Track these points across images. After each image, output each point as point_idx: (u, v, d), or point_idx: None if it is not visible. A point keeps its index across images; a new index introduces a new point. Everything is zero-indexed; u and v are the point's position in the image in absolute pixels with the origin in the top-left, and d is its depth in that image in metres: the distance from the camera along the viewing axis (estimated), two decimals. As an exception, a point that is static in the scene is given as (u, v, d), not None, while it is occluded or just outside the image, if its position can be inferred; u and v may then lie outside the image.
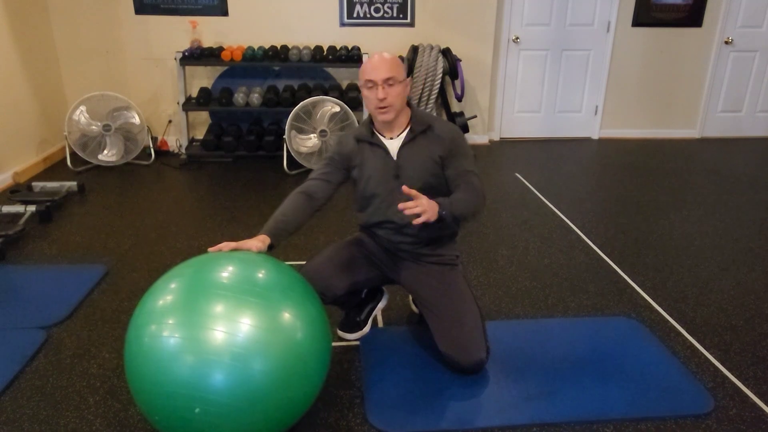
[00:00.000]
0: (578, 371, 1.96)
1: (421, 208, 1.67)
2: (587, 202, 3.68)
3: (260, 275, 1.52)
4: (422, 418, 1.72)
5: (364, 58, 4.29)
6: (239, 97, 4.26)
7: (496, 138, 5.27)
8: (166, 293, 1.46)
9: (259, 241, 1.70)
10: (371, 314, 2.19)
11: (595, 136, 5.37)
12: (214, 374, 1.35)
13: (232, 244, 1.66)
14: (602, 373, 1.95)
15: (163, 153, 4.56)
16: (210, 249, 1.65)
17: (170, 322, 1.40)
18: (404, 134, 1.91)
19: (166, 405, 1.37)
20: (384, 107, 1.82)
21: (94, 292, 2.44)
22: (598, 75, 5.17)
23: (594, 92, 5.23)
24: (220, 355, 1.35)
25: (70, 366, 1.94)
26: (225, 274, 1.48)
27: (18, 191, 3.45)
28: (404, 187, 1.69)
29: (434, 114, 4.36)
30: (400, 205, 1.68)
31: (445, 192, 1.90)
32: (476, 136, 5.09)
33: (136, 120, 4.18)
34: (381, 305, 2.23)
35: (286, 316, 1.47)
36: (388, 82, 1.79)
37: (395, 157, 1.91)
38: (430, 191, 1.84)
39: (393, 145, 1.92)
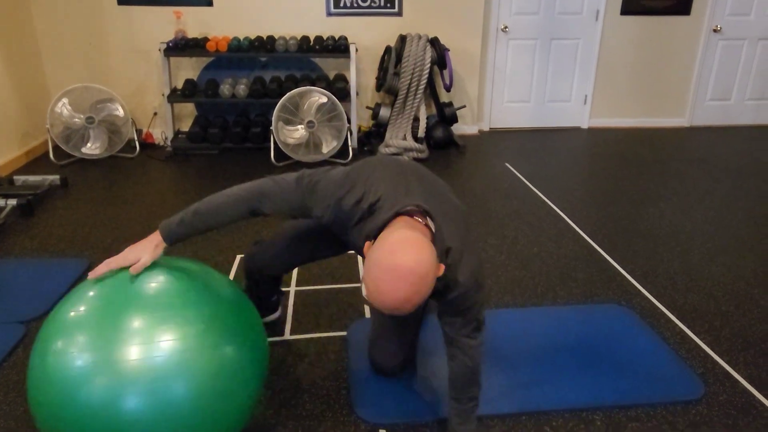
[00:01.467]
0: (568, 359, 1.94)
1: None
2: (577, 191, 3.66)
3: (182, 286, 1.35)
4: (410, 409, 1.69)
5: (352, 48, 4.24)
6: (225, 89, 4.20)
7: (486, 128, 5.23)
8: (76, 310, 1.29)
9: (151, 245, 1.40)
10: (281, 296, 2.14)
11: (585, 126, 5.36)
12: (129, 399, 1.20)
13: (119, 259, 1.38)
14: (592, 361, 1.92)
15: (148, 146, 4.49)
16: (90, 275, 1.39)
17: (80, 341, 1.24)
18: None
19: None
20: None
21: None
22: (588, 64, 5.15)
23: (583, 81, 5.21)
24: (136, 377, 1.21)
25: (49, 361, 1.89)
26: (143, 288, 1.32)
27: (-1, 185, 3.38)
28: None
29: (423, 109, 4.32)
30: None
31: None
32: (465, 127, 5.05)
33: (120, 112, 4.11)
34: (266, 320, 2.13)
35: (213, 331, 1.31)
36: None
37: None
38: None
39: None
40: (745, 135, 5.17)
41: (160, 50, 4.17)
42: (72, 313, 1.29)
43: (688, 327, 2.15)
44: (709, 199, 3.54)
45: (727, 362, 1.95)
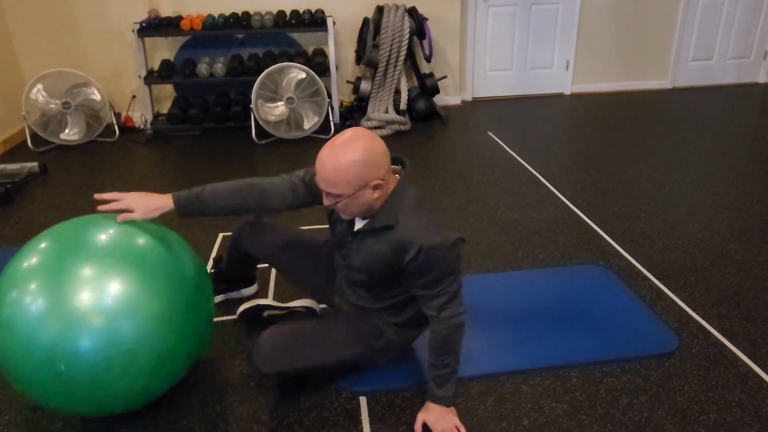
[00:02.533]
0: (545, 319, 1.97)
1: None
2: (558, 156, 3.67)
3: (134, 238, 1.47)
4: (389, 376, 1.71)
5: (329, 21, 4.19)
6: (203, 68, 4.15)
7: (469, 98, 5.21)
8: (31, 257, 1.40)
9: (151, 206, 1.51)
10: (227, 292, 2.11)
11: (568, 92, 5.34)
12: (81, 340, 1.32)
13: (125, 201, 1.50)
14: (569, 320, 1.96)
15: (128, 129, 4.45)
16: (100, 207, 1.52)
17: (33, 288, 1.34)
18: (365, 223, 1.53)
19: (33, 374, 1.34)
20: (338, 210, 1.48)
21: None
22: (568, 29, 5.11)
23: (564, 47, 5.18)
24: (87, 319, 1.33)
25: (32, 345, 1.91)
26: (97, 238, 1.44)
27: (-24, 175, 3.35)
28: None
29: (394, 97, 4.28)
30: None
31: (400, 281, 1.56)
32: (448, 97, 5.03)
33: (97, 96, 4.06)
34: (243, 293, 2.13)
35: (160, 280, 1.43)
36: (330, 198, 1.43)
37: (352, 235, 1.57)
38: (381, 283, 1.58)
39: (357, 223, 1.56)
40: (727, 94, 5.18)
41: (133, 31, 4.10)
42: (25, 264, 1.39)
43: (664, 284, 2.19)
44: (687, 158, 3.57)
45: (702, 316, 1.99)
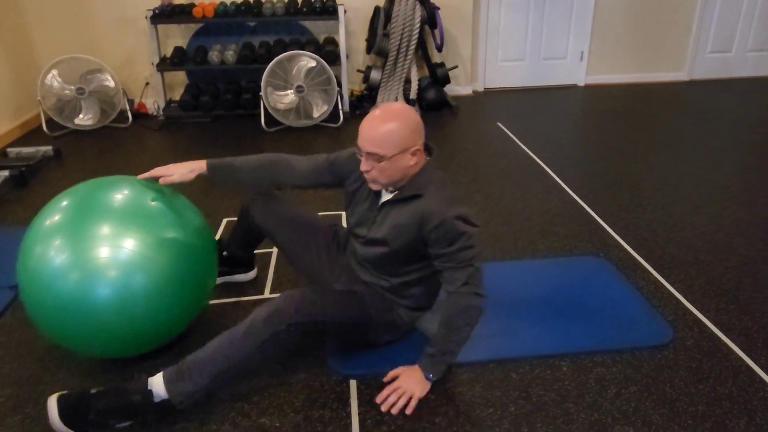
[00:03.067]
0: (540, 309, 1.97)
1: (399, 393, 1.57)
2: (567, 148, 3.64)
3: (147, 199, 1.64)
4: (380, 360, 1.73)
5: (340, 10, 4.19)
6: (214, 55, 4.19)
7: (480, 89, 5.18)
8: (54, 215, 1.57)
9: (187, 169, 1.68)
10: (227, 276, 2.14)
11: (582, 83, 5.28)
12: (98, 289, 1.49)
13: (162, 169, 1.69)
14: (564, 311, 1.96)
15: (141, 116, 4.51)
16: (141, 176, 1.71)
17: (56, 244, 1.51)
18: (393, 194, 1.60)
19: (56, 319, 1.52)
20: (370, 178, 1.55)
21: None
22: (583, 19, 5.04)
23: (579, 37, 5.12)
24: (103, 271, 1.50)
25: (36, 322, 1.96)
26: (111, 197, 1.61)
27: (-8, 158, 3.44)
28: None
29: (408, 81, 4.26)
30: (378, 400, 1.57)
31: (421, 255, 1.60)
32: (459, 87, 5.01)
33: (111, 82, 4.12)
34: (242, 278, 2.15)
35: (170, 237, 1.61)
36: (372, 156, 1.49)
37: (378, 209, 1.63)
38: (401, 255, 1.61)
39: (384, 196, 1.63)
40: (746, 87, 5.08)
41: (146, 18, 4.14)
42: (48, 222, 1.56)
43: (664, 276, 2.17)
44: (699, 152, 3.51)
45: (699, 309, 1.97)
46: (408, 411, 1.55)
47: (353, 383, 1.66)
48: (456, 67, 4.78)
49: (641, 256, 2.31)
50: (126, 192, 1.64)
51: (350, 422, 1.52)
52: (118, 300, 1.51)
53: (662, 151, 3.52)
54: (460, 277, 1.53)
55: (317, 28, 4.59)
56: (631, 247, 2.39)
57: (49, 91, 4.03)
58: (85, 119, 4.11)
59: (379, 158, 1.48)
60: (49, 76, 3.99)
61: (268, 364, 1.68)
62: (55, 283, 1.48)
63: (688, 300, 2.02)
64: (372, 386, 1.65)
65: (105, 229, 1.53)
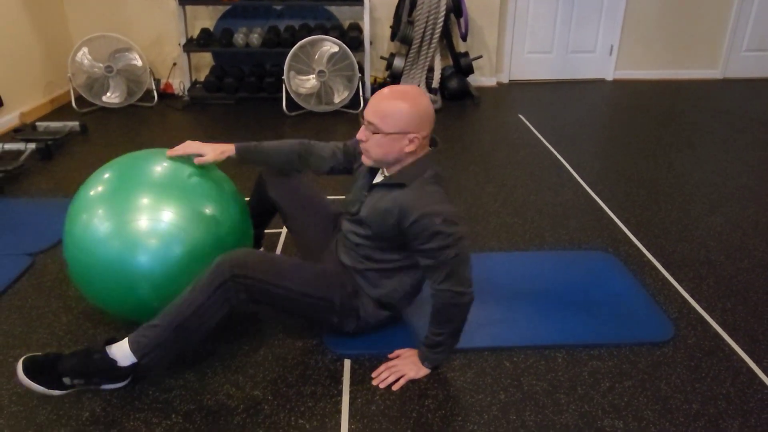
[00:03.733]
0: (541, 300, 1.96)
1: (391, 371, 1.61)
2: (587, 142, 3.58)
3: (185, 171, 1.71)
4: (377, 342, 1.75)
5: (365, -5, 4.19)
6: (239, 38, 4.23)
7: (505, 80, 5.13)
8: (96, 188, 1.65)
9: (218, 150, 1.73)
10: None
11: (610, 78, 5.18)
12: (139, 257, 1.57)
13: (194, 147, 1.74)
14: (565, 303, 1.94)
15: (167, 95, 4.60)
16: (169, 152, 1.75)
17: (100, 213, 1.59)
18: (382, 177, 1.61)
19: (97, 283, 1.61)
20: (364, 149, 1.55)
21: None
22: (614, 11, 4.93)
23: (609, 31, 5.01)
24: (143, 240, 1.57)
25: (49, 289, 2.04)
26: (151, 169, 1.68)
27: (22, 130, 3.54)
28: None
29: (436, 62, 4.22)
30: (374, 374, 1.62)
31: (401, 245, 1.59)
32: (483, 78, 4.96)
33: (138, 62, 4.20)
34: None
35: (207, 208, 1.67)
36: (370, 126, 1.49)
37: (368, 189, 1.64)
38: (385, 241, 1.60)
39: (377, 178, 1.64)
40: (782, 88, 4.91)
41: (175, -1, 4.21)
42: (92, 192, 1.65)
43: (672, 275, 2.13)
44: (724, 150, 3.42)
45: (704, 308, 1.93)
46: (394, 387, 1.57)
47: (347, 362, 1.68)
48: (480, 57, 4.73)
49: (651, 254, 2.28)
50: (166, 165, 1.71)
51: (340, 399, 1.55)
52: (156, 268, 1.58)
53: (686, 150, 3.44)
54: (439, 275, 1.50)
55: (343, 13, 4.59)
56: (642, 243, 2.35)
57: (80, 69, 4.13)
58: (112, 97, 4.21)
59: (375, 129, 1.48)
60: (80, 53, 4.09)
61: (223, 320, 1.55)
62: (98, 249, 1.57)
63: (694, 299, 1.99)
64: (365, 366, 1.67)
65: (145, 200, 1.60)
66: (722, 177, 3.03)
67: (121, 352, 1.48)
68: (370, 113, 1.49)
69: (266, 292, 1.52)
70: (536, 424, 1.47)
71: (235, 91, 4.32)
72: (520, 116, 4.12)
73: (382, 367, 1.64)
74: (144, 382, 1.60)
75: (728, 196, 2.80)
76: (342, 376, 1.63)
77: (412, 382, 1.61)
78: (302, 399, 1.55)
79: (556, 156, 3.34)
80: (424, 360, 1.62)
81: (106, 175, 1.68)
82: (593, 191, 2.86)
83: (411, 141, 1.49)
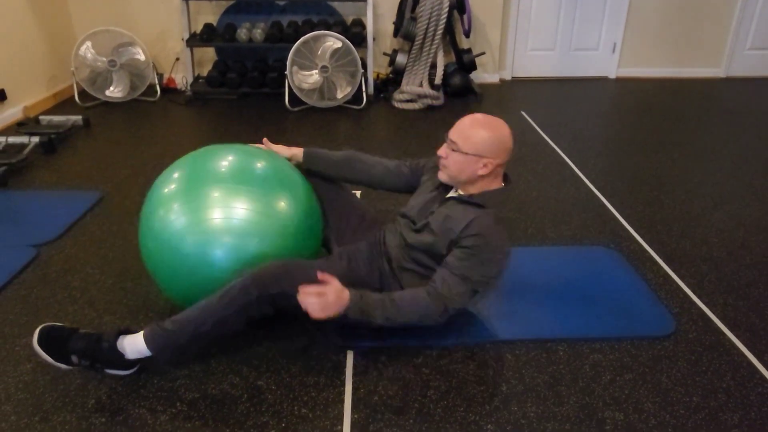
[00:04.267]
0: (543, 294, 1.97)
1: (318, 297, 1.49)
2: (590, 140, 3.59)
3: (257, 166, 1.72)
4: (378, 334, 1.76)
5: (369, -9, 4.19)
6: (242, 33, 4.24)
7: (508, 77, 5.13)
8: (172, 182, 1.68)
9: (289, 153, 1.91)
10: None
11: (613, 76, 5.18)
12: (215, 251, 1.59)
13: (273, 147, 1.91)
14: (566, 297, 1.95)
15: (170, 90, 4.61)
16: (257, 145, 1.88)
17: (175, 208, 1.62)
18: (457, 194, 1.69)
19: (174, 276, 1.64)
20: (442, 164, 1.67)
21: (86, 216, 2.54)
22: (618, 9, 4.93)
23: (612, 29, 5.01)
24: (219, 235, 1.59)
25: (54, 279, 2.05)
26: (224, 164, 1.69)
27: (25, 124, 3.56)
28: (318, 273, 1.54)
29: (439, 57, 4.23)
30: (301, 297, 1.49)
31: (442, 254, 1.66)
32: (486, 75, 4.97)
33: (141, 56, 4.21)
34: None
35: (280, 202, 1.68)
36: (452, 144, 1.62)
37: (441, 202, 1.72)
38: (435, 248, 1.66)
39: (451, 193, 1.73)
40: (785, 86, 4.91)
41: (178, -6, 4.21)
42: (166, 190, 1.67)
43: (674, 270, 2.14)
44: (727, 148, 3.43)
45: (706, 303, 1.94)
46: (308, 309, 1.48)
47: (350, 354, 1.69)
48: (483, 53, 4.73)
49: (653, 249, 2.28)
50: (237, 158, 1.72)
51: (343, 390, 1.56)
52: (234, 262, 1.60)
53: (689, 147, 3.45)
54: (443, 279, 1.60)
55: (346, 9, 4.60)
56: (644, 239, 2.36)
57: (83, 63, 4.14)
58: (115, 91, 4.22)
59: (456, 147, 1.61)
60: (83, 47, 4.10)
61: (245, 327, 1.61)
62: (177, 244, 1.59)
63: (696, 294, 1.99)
64: (368, 358, 1.68)
65: (219, 195, 1.62)
66: (725, 175, 3.04)
67: (133, 345, 1.52)
68: (454, 133, 1.63)
69: (290, 301, 1.54)
70: (537, 415, 1.48)
71: (238, 86, 4.33)
72: (523, 113, 4.13)
73: (313, 288, 1.50)
74: (149, 371, 1.61)
75: (731, 194, 2.80)
76: (345, 367, 1.65)
77: (415, 373, 1.62)
78: (305, 389, 1.56)
79: (558, 153, 3.34)
80: (349, 304, 1.52)
81: (181, 171, 1.70)
82: (595, 188, 2.86)
83: (485, 165, 1.61)
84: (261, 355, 1.69)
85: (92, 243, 2.31)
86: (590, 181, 2.94)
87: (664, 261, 2.20)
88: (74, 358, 1.48)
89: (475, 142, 1.59)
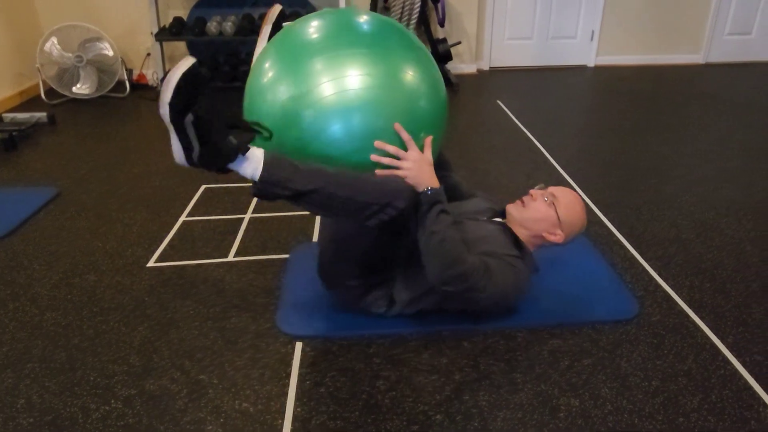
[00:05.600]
0: (505, 281, 1.90)
1: (405, 162, 1.43)
2: (565, 127, 3.53)
3: (360, 25, 1.48)
4: (330, 324, 1.70)
5: (340, -19, 4.11)
6: (212, 26, 4.15)
7: (486, 67, 5.07)
8: (268, 71, 1.49)
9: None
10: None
11: (591, 64, 5.13)
12: (332, 127, 1.40)
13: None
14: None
15: (141, 86, 4.52)
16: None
17: (282, 89, 1.43)
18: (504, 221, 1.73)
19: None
20: (526, 201, 1.69)
21: (40, 212, 2.46)
22: (594, -3, 4.88)
23: (590, 16, 4.96)
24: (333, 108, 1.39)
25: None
26: (315, 34, 1.47)
27: (-13, 122, 3.47)
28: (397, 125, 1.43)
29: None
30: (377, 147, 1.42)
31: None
32: (463, 65, 4.90)
33: (109, 51, 4.12)
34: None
35: (394, 65, 1.44)
36: (552, 198, 1.67)
37: (487, 217, 1.76)
38: None
39: (498, 217, 1.78)
40: (766, 71, 4.87)
41: (145, -13, 4.13)
42: (264, 80, 1.48)
43: (641, 253, 2.08)
44: (704, 133, 3.38)
45: (672, 286, 1.88)
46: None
47: (299, 345, 1.63)
48: (459, 43, 4.67)
49: (621, 233, 2.23)
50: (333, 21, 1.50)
51: (288, 383, 1.49)
52: (349, 137, 1.41)
53: (665, 133, 3.39)
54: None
55: (319, 0, 4.52)
56: (612, 224, 2.30)
57: (49, 59, 4.04)
58: (82, 88, 4.13)
59: (553, 203, 1.66)
60: (48, 43, 4.01)
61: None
62: (292, 125, 1.42)
63: (661, 277, 1.94)
64: (318, 349, 1.61)
65: (321, 67, 1.41)
66: (699, 159, 2.99)
67: (252, 153, 1.40)
68: (561, 193, 1.68)
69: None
70: (489, 404, 1.42)
71: (210, 80, 4.24)
72: (499, 102, 4.07)
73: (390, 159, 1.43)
74: (86, 368, 1.54)
75: (703, 177, 2.75)
76: (293, 359, 1.58)
77: (365, 363, 1.55)
78: (249, 382, 1.49)
79: (532, 140, 3.28)
80: (425, 188, 1.46)
81: (269, 58, 1.50)
82: (567, 173, 2.80)
83: (556, 235, 1.65)
84: (206, 347, 1.62)
85: (42, 239, 2.23)
86: (562, 167, 2.88)
87: (631, 244, 2.14)
88: (189, 117, 1.34)
89: (570, 213, 1.65)
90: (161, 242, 2.20)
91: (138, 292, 1.89)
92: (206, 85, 1.38)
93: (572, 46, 5.07)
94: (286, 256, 2.09)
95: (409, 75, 1.46)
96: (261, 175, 1.39)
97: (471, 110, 3.89)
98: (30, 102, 4.15)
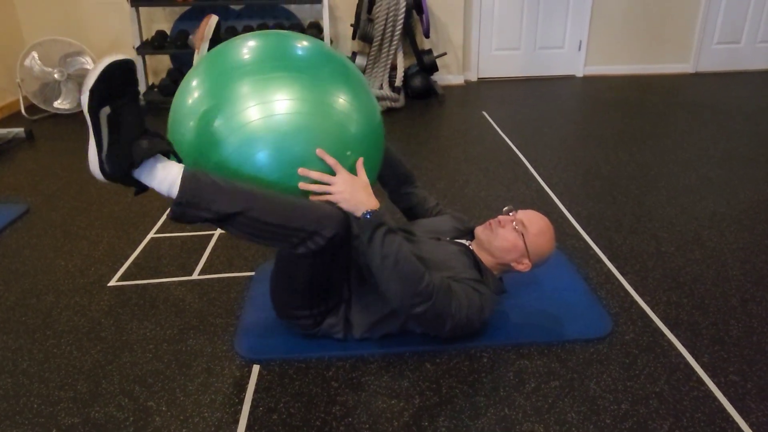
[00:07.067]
0: (475, 298, 1.83)
1: (334, 187, 1.38)
2: (549, 138, 3.48)
3: (293, 49, 1.44)
4: (289, 346, 1.63)
5: (323, -7, 4.09)
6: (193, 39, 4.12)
7: (474, 78, 5.03)
8: (194, 91, 1.41)
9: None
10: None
11: (580, 74, 5.09)
12: (258, 154, 1.35)
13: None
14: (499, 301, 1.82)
15: (124, 101, 4.47)
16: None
17: (207, 113, 1.37)
18: (468, 245, 1.68)
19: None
20: (493, 227, 1.61)
21: (6, 230, 2.40)
22: (582, 6, 4.85)
23: (577, 26, 4.93)
24: (260, 135, 1.34)
25: (-47, 297, 1.91)
26: (246, 56, 1.41)
27: (-37, 138, 3.42)
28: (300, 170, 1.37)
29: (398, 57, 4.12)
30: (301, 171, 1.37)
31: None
32: (450, 76, 4.86)
33: (91, 66, 4.08)
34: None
35: (326, 96, 1.39)
36: (521, 227, 1.58)
37: (450, 237, 1.73)
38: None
39: (463, 240, 1.74)
40: (756, 80, 4.84)
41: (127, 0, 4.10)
42: (190, 101, 1.41)
43: (618, 268, 2.02)
44: (688, 141, 3.32)
45: (648, 302, 1.82)
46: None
47: (256, 368, 1.56)
48: (444, 54, 4.63)
49: (599, 247, 2.16)
50: (267, 43, 1.45)
51: (240, 408, 1.42)
52: (276, 164, 1.36)
53: (649, 142, 3.34)
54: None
55: (303, 12, 4.50)
56: (590, 236, 2.24)
57: (29, 74, 4.01)
58: (63, 103, 4.09)
59: (523, 233, 1.58)
60: (29, 58, 3.97)
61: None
62: (215, 150, 1.35)
63: (638, 292, 1.87)
64: (275, 372, 1.54)
65: (249, 90, 1.35)
66: (682, 168, 2.93)
67: (165, 168, 1.30)
68: (529, 221, 1.60)
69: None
70: (449, 430, 1.35)
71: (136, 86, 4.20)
72: (484, 113, 4.02)
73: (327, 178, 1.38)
74: (31, 395, 1.47)
75: (686, 188, 2.69)
76: (248, 383, 1.51)
77: (322, 387, 1.48)
78: (198, 409, 1.42)
79: (514, 151, 3.23)
80: (363, 212, 1.40)
81: (197, 78, 1.43)
82: (547, 185, 2.75)
83: (523, 264, 1.60)
84: (158, 372, 1.55)
85: (4, 258, 2.17)
86: (542, 179, 2.82)
87: (608, 258, 2.08)
88: (106, 110, 1.24)
89: (540, 244, 1.59)
90: (126, 260, 2.14)
91: (95, 313, 1.82)
92: (135, 87, 1.30)
93: (560, 56, 5.03)
94: (252, 273, 2.03)
95: (340, 101, 1.41)
96: (178, 194, 1.29)
97: (454, 121, 3.84)
98: (10, 118, 4.11)
